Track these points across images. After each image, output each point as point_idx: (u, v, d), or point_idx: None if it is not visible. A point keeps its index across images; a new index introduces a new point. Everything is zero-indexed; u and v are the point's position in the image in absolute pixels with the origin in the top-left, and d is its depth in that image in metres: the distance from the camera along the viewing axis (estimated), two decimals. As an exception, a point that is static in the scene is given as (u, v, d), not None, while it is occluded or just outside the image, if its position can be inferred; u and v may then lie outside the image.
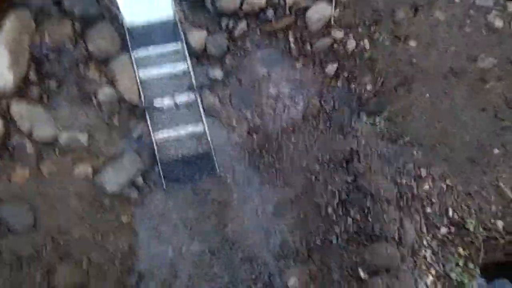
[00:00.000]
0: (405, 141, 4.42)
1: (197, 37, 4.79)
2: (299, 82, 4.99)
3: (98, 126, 4.31)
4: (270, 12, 5.06)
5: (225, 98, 4.82)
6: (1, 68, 3.88)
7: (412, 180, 4.21)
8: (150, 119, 4.47)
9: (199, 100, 4.66)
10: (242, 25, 4.99)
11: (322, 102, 4.91)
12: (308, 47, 5.04)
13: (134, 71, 4.52)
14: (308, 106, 4.85)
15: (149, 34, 4.71)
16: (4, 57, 3.92)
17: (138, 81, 4.50)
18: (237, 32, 4.97)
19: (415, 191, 4.17)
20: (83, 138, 4.19)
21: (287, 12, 5.10)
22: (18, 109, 4.00)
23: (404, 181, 4.19)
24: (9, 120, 3.96)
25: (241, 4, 4.95)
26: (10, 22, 4.07)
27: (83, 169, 4.08)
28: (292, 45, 5.08)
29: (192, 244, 4.12)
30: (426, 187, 4.20)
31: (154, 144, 4.40)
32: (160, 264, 4.00)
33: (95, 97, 4.39)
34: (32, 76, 4.19)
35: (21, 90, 4.09)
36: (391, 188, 4.12)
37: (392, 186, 4.15)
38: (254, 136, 4.70)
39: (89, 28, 4.55)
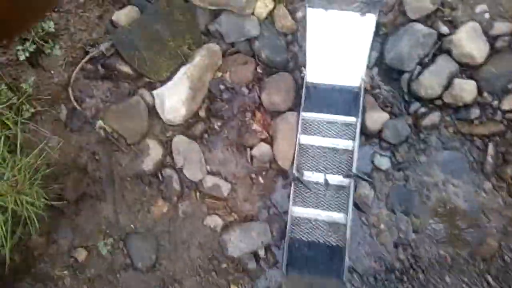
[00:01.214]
0: None
1: (377, 117, 4.17)
2: (481, 207, 4.00)
3: (243, 180, 4.12)
4: (474, 111, 4.11)
5: (382, 194, 4.16)
6: (176, 101, 3.91)
7: None
8: (293, 190, 4.11)
9: (351, 187, 4.10)
10: (434, 117, 4.16)
11: (502, 244, 3.86)
12: (510, 170, 3.96)
13: (296, 134, 4.17)
14: (482, 244, 3.87)
15: (326, 98, 4.28)
16: (184, 91, 3.95)
17: (297, 146, 4.14)
18: (424, 122, 4.18)
19: None
20: (225, 187, 4.06)
21: (497, 117, 4.07)
22: (179, 142, 4.04)
23: None
24: (168, 151, 4.03)
25: (443, 93, 4.11)
26: (201, 56, 4.06)
27: (214, 221, 3.97)
28: (489, 159, 4.06)
29: None
30: None
31: (289, 219, 4.05)
32: None
33: (250, 149, 4.19)
34: (202, 113, 4.17)
35: (189, 125, 4.11)
36: None
37: None
38: (401, 252, 3.97)
39: (268, 75, 4.32)
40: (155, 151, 4.05)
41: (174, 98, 3.99)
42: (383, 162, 4.15)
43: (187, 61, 4.14)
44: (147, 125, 4.10)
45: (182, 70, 4.07)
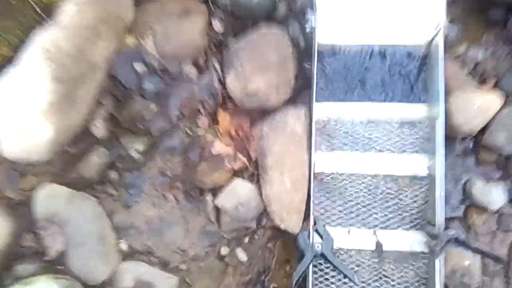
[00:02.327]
0: None
1: (482, 101, 2.00)
2: None
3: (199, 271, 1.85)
4: None
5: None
6: (25, 115, 1.55)
7: None
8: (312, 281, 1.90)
9: (438, 257, 1.94)
10: None
11: None
12: None
13: (308, 153, 1.96)
14: None
15: (361, 72, 2.09)
16: (41, 89, 1.59)
17: (311, 177, 1.93)
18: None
19: None
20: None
21: None
22: (47, 200, 1.69)
23: None
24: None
25: None
26: (77, 5, 1.70)
27: None
28: None
29: None
30: None
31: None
32: None
33: (213, 197, 1.94)
34: (100, 129, 1.84)
35: (67, 161, 1.79)
36: None
37: None
38: None
39: (237, 36, 2.06)
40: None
41: (19, 110, 1.67)
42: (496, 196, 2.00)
43: (48, 19, 1.80)
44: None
45: (36, 41, 1.75)
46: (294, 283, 1.73)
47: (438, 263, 1.82)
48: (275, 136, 1.94)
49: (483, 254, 1.72)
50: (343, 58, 2.06)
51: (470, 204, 2.06)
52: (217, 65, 2.06)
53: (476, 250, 1.72)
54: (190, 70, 2.05)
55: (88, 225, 1.85)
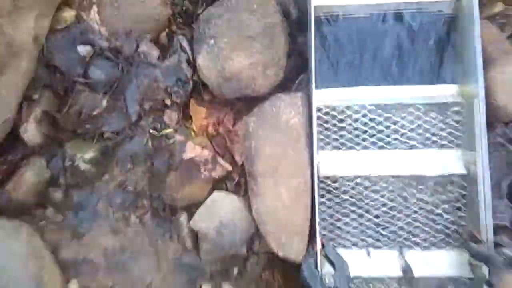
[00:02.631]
0: None
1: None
2: None
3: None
4: None
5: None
6: None
7: None
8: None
9: None
10: None
11: None
12: None
13: (310, 158, 1.47)
14: None
15: (372, 42, 1.58)
16: None
17: (315, 191, 1.44)
18: None
19: None
20: None
21: None
22: None
23: None
24: None
25: None
26: None
27: None
28: None
29: None
30: None
31: None
32: None
33: (188, 219, 1.44)
34: None
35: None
36: None
37: None
38: None
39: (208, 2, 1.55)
40: None
41: None
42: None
43: None
44: None
45: None
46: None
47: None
48: (265, 133, 1.45)
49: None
50: (349, 26, 1.58)
51: (524, 210, 1.59)
52: (185, 43, 1.56)
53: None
54: (150, 51, 1.55)
55: (19, 268, 1.36)
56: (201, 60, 1.48)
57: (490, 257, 1.31)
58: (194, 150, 1.45)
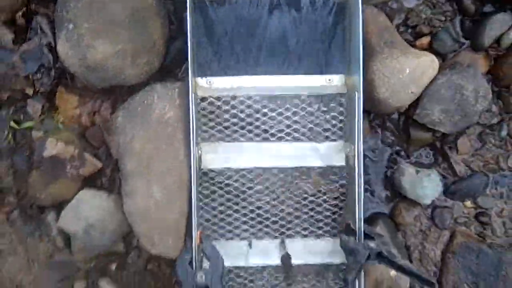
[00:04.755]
0: None
1: (417, 63, 1.51)
2: None
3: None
4: None
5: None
6: None
7: None
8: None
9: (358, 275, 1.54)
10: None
11: None
12: None
13: (189, 150, 1.41)
14: None
15: (250, 31, 1.50)
16: None
17: (193, 181, 1.40)
18: None
19: None
20: None
21: None
22: None
23: None
24: None
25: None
26: None
27: None
28: None
29: None
30: None
31: None
32: None
33: (57, 217, 1.36)
34: None
35: None
36: None
37: None
38: None
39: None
40: None
41: None
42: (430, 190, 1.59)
43: None
44: None
45: None
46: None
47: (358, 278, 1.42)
48: (134, 129, 1.35)
49: (412, 275, 1.33)
50: (235, 11, 1.46)
51: (399, 199, 1.65)
52: (44, 24, 1.38)
53: (403, 270, 1.32)
54: (4, 33, 1.36)
55: None
56: (61, 47, 1.32)
57: (354, 250, 1.35)
58: (56, 147, 1.33)
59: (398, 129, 1.66)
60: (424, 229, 1.63)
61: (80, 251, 1.44)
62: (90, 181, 1.44)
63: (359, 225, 1.43)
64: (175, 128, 1.38)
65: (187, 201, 1.41)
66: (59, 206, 1.41)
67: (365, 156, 1.65)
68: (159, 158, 1.36)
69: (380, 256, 1.34)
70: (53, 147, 1.33)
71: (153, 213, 1.36)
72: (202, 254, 1.41)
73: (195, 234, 1.39)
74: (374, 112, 1.62)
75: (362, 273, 1.42)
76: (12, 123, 1.40)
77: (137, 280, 1.57)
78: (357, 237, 1.42)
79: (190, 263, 1.39)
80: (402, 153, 1.67)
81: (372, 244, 1.38)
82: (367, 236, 1.44)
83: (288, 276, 1.55)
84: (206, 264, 1.40)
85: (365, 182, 1.65)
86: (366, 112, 1.61)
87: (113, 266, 1.51)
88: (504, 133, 1.61)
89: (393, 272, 1.56)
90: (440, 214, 1.63)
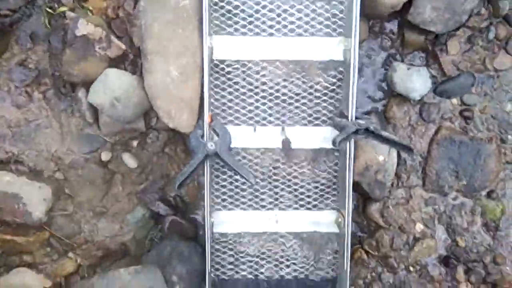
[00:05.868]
0: None
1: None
2: None
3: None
4: None
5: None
6: None
7: None
8: (208, 184, 1.69)
9: (349, 148, 1.73)
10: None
11: None
12: None
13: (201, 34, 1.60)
14: None
15: None
16: None
17: (205, 68, 1.59)
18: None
19: None
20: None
21: None
22: None
23: None
24: None
25: None
26: None
27: None
28: None
29: None
30: None
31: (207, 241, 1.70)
32: None
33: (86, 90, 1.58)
34: None
35: None
36: None
37: None
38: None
39: None
40: None
41: None
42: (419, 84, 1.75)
43: None
44: None
45: None
46: (177, 185, 1.48)
47: (348, 158, 1.61)
48: (153, 12, 1.53)
49: (395, 144, 1.51)
50: None
51: (391, 95, 1.82)
52: None
53: (387, 141, 1.50)
54: None
55: None
56: None
57: (345, 126, 1.53)
58: (87, 27, 1.52)
59: (394, 33, 1.81)
60: (412, 123, 1.81)
61: (106, 125, 1.66)
62: (115, 64, 1.63)
63: (352, 111, 1.62)
64: (190, 15, 1.55)
65: (200, 83, 1.60)
66: (89, 84, 1.61)
67: (363, 56, 1.81)
68: (175, 41, 1.55)
69: (367, 131, 1.52)
70: (84, 27, 1.52)
71: (171, 89, 1.56)
72: (212, 130, 1.62)
73: (207, 114, 1.60)
74: (373, 17, 1.76)
75: (352, 155, 1.61)
76: (48, 9, 1.59)
77: (155, 160, 1.80)
78: (348, 120, 1.61)
79: (202, 136, 1.60)
80: (397, 56, 1.83)
81: (361, 121, 1.56)
82: (358, 119, 1.63)
83: (288, 157, 1.75)
84: (215, 139, 1.61)
85: (362, 83, 1.83)
86: (365, 16, 1.76)
87: (135, 143, 1.73)
88: (491, 35, 1.75)
89: (382, 157, 1.75)
90: (427, 109, 1.79)
